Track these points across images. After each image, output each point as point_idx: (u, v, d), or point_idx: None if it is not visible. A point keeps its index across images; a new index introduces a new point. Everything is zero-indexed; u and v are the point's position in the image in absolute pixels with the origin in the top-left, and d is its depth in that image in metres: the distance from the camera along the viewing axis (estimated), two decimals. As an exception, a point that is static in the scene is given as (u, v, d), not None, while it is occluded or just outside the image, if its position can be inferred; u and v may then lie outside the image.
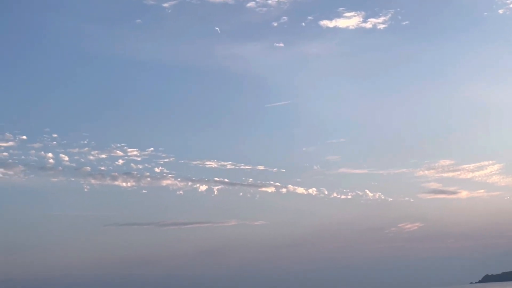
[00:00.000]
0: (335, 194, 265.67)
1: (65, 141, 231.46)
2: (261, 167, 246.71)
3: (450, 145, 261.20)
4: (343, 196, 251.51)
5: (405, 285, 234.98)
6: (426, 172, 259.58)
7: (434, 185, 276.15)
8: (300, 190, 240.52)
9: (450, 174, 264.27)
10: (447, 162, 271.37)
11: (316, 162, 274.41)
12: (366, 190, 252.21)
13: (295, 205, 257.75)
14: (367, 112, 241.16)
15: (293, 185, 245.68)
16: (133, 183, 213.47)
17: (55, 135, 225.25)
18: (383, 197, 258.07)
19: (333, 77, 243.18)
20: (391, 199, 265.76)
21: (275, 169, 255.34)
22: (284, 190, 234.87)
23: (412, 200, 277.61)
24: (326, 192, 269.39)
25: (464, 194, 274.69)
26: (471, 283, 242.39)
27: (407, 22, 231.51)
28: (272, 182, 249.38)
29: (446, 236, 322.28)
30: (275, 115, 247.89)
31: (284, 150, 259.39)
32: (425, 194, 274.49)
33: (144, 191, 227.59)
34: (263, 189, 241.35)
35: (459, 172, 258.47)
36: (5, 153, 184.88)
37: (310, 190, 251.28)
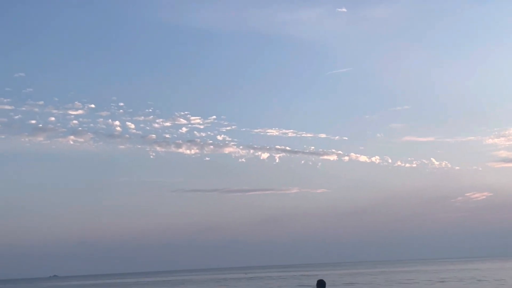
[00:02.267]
0: (399, 163, 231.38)
1: (131, 110, 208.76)
2: (322, 135, 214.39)
3: None
4: (407, 165, 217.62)
5: (473, 257, 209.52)
6: (496, 140, 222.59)
7: (504, 154, 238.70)
8: (363, 158, 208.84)
9: None
10: None
11: (379, 130, 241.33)
12: (432, 159, 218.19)
13: (357, 173, 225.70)
14: (433, 79, 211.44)
15: (355, 153, 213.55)
16: (197, 151, 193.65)
17: (121, 104, 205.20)
18: (449, 166, 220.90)
19: (397, 43, 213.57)
20: (458, 167, 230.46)
21: (337, 137, 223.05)
22: (346, 158, 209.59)
23: (480, 169, 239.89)
24: (390, 161, 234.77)
25: None
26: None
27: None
28: (334, 150, 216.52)
29: None
30: (337, 82, 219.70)
31: (346, 118, 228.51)
32: (494, 163, 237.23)
33: (207, 159, 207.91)
34: (325, 157, 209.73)
35: None
36: (75, 121, 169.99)
37: (373, 159, 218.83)
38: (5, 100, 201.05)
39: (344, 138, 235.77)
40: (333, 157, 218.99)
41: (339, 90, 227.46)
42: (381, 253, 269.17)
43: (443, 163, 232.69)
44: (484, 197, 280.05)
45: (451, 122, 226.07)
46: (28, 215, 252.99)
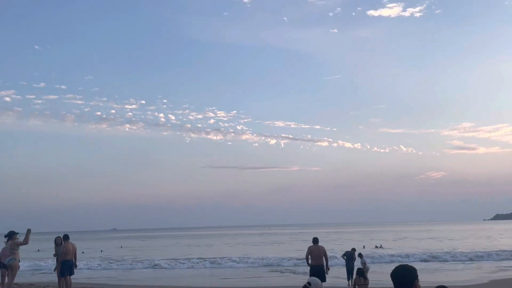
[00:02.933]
0: (376, 148, 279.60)
1: (172, 105, 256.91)
2: (317, 126, 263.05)
3: (471, 110, 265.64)
4: (382, 150, 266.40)
5: (430, 221, 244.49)
6: (451, 132, 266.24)
7: (457, 143, 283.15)
8: (348, 145, 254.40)
9: (471, 134, 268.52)
10: (468, 124, 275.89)
11: (361, 123, 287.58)
12: (401, 146, 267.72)
13: (343, 156, 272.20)
14: (403, 84, 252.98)
15: (342, 141, 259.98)
16: (221, 137, 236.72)
17: (165, 100, 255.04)
18: (414, 151, 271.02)
19: (376, 56, 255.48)
20: (421, 153, 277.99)
21: (329, 128, 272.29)
22: (335, 144, 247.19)
23: (438, 154, 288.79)
24: (368, 147, 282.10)
25: (482, 150, 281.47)
26: (484, 220, 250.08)
27: (439, 10, 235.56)
28: (326, 138, 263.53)
29: (465, 183, 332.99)
30: (330, 86, 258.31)
31: (336, 114, 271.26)
32: (449, 150, 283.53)
33: (229, 143, 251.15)
34: (319, 143, 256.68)
35: (478, 132, 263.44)
36: (130, 113, 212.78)
37: (356, 145, 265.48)
38: (77, 97, 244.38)
39: (334, 129, 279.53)
40: (325, 144, 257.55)
41: (331, 92, 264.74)
42: (361, 217, 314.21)
43: (410, 149, 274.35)
44: (440, 175, 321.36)
45: (416, 117, 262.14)
46: (96, 181, 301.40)
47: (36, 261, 34.57)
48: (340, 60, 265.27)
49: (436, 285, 5.50)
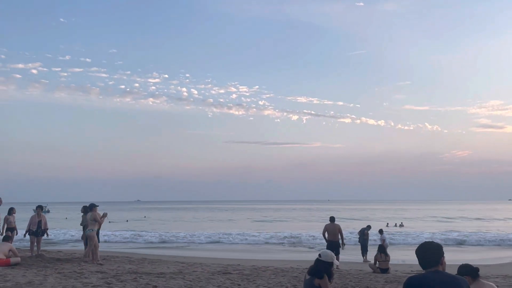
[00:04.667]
0: (399, 126, 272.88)
1: (195, 79, 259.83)
2: (340, 103, 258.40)
3: (500, 88, 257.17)
4: (406, 128, 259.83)
5: (455, 200, 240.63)
6: (478, 110, 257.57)
7: (483, 121, 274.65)
8: (371, 121, 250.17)
9: (499, 112, 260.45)
10: (497, 102, 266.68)
11: (385, 100, 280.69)
12: (425, 123, 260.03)
13: (366, 133, 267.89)
14: (430, 60, 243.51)
15: (365, 118, 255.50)
16: (243, 112, 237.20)
17: (187, 75, 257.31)
18: (439, 129, 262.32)
19: (402, 30, 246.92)
20: (446, 131, 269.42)
21: (352, 104, 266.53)
22: (358, 121, 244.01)
23: (464, 132, 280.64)
24: (392, 124, 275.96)
25: (510, 129, 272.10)
26: (510, 200, 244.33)
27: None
28: (348, 115, 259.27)
29: (490, 162, 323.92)
30: (354, 61, 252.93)
31: (360, 90, 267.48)
32: (475, 128, 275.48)
33: (251, 118, 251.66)
34: (341, 120, 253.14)
35: (506, 111, 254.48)
36: (153, 87, 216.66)
37: (379, 122, 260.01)
38: (102, 70, 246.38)
39: (357, 105, 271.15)
40: (347, 120, 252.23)
41: (355, 67, 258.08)
42: (383, 195, 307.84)
43: (435, 127, 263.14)
44: (466, 154, 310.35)
45: (442, 94, 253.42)
46: (120, 154, 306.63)
47: (64, 229, 35.72)
48: (365, 34, 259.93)
49: (461, 263, 5.55)
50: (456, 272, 4.89)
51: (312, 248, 25.81)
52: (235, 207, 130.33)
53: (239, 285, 9.11)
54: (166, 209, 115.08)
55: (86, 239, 13.74)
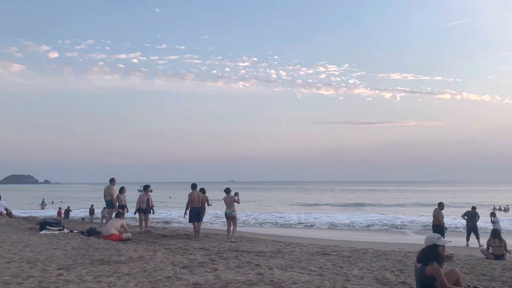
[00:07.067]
0: (507, 100, 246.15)
1: (283, 61, 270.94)
2: (438, 78, 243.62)
3: None
4: None
5: None
6: None
7: None
8: (474, 97, 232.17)
9: None
10: None
11: (490, 72, 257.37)
12: None
13: (468, 110, 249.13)
14: None
15: (467, 93, 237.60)
16: (333, 92, 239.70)
17: (276, 57, 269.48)
18: None
19: None
20: None
21: (452, 79, 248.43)
22: (458, 97, 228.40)
23: None
24: (498, 99, 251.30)
25: None
26: None
27: None
28: (448, 90, 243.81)
29: None
30: (454, 32, 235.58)
31: (460, 63, 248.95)
32: None
33: (341, 98, 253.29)
34: (439, 96, 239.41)
35: None
36: (243, 71, 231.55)
37: (483, 97, 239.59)
38: (195, 56, 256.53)
39: (458, 80, 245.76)
40: (447, 96, 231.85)
41: (456, 39, 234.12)
42: (484, 175, 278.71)
43: None
44: None
45: None
46: (214, 136, 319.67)
47: (167, 209, 37.92)
48: (466, 2, 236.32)
49: None
50: None
51: (405, 232, 24.88)
52: (324, 188, 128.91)
53: (341, 267, 8.75)
54: (260, 189, 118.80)
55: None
